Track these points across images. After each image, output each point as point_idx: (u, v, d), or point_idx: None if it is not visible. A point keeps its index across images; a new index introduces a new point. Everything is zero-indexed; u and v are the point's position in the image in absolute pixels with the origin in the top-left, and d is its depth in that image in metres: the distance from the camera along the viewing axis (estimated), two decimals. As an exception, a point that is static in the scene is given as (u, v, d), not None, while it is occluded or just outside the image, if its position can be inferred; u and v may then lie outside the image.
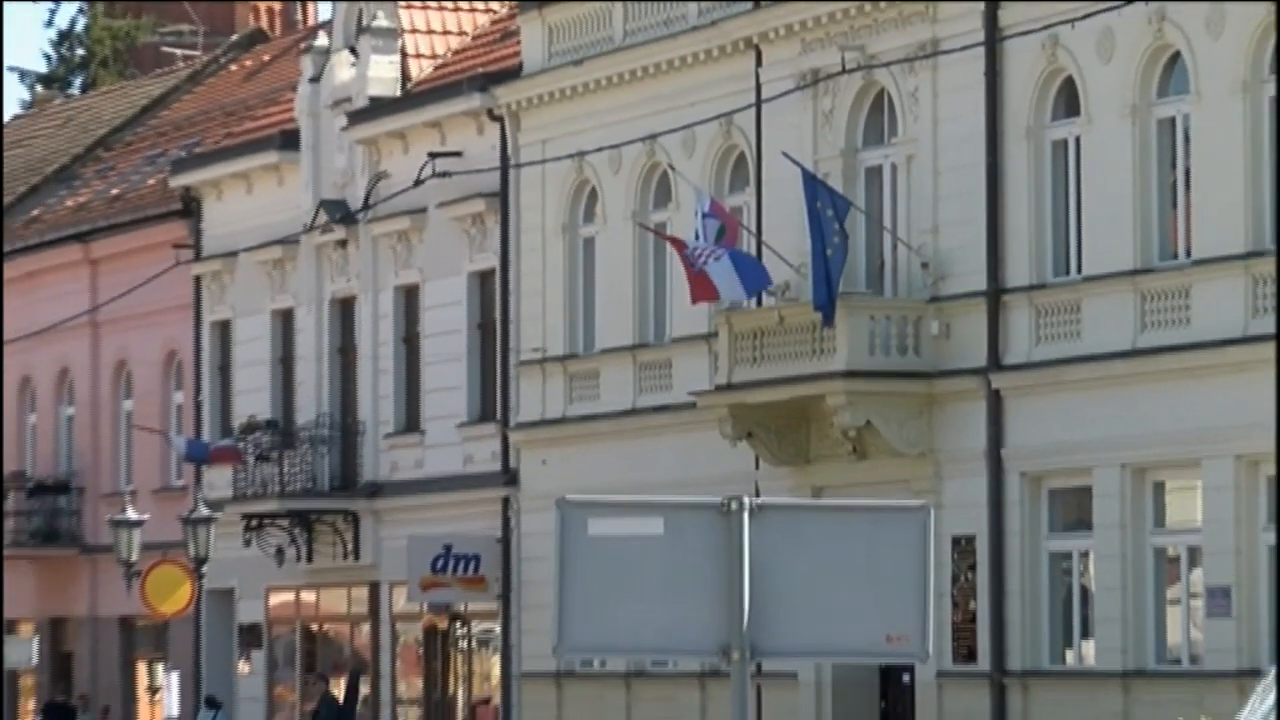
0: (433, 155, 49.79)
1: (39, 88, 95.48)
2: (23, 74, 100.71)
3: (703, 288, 41.86)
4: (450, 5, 53.24)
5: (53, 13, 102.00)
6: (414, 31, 52.50)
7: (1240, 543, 36.77)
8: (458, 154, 49.63)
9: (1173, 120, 38.05)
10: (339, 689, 52.09)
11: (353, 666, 52.44)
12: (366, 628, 52.82)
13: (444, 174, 49.52)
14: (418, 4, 52.85)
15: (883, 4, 41.56)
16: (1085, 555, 39.27)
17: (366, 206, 51.61)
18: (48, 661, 60.24)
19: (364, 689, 53.60)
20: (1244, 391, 36.38)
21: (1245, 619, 35.90)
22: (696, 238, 41.93)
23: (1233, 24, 36.81)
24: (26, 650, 57.24)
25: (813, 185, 40.62)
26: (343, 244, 52.35)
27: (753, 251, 42.67)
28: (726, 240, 41.73)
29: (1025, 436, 39.73)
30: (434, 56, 52.37)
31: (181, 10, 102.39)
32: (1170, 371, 37.57)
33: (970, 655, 39.55)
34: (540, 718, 47.43)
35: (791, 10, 43.00)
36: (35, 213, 64.05)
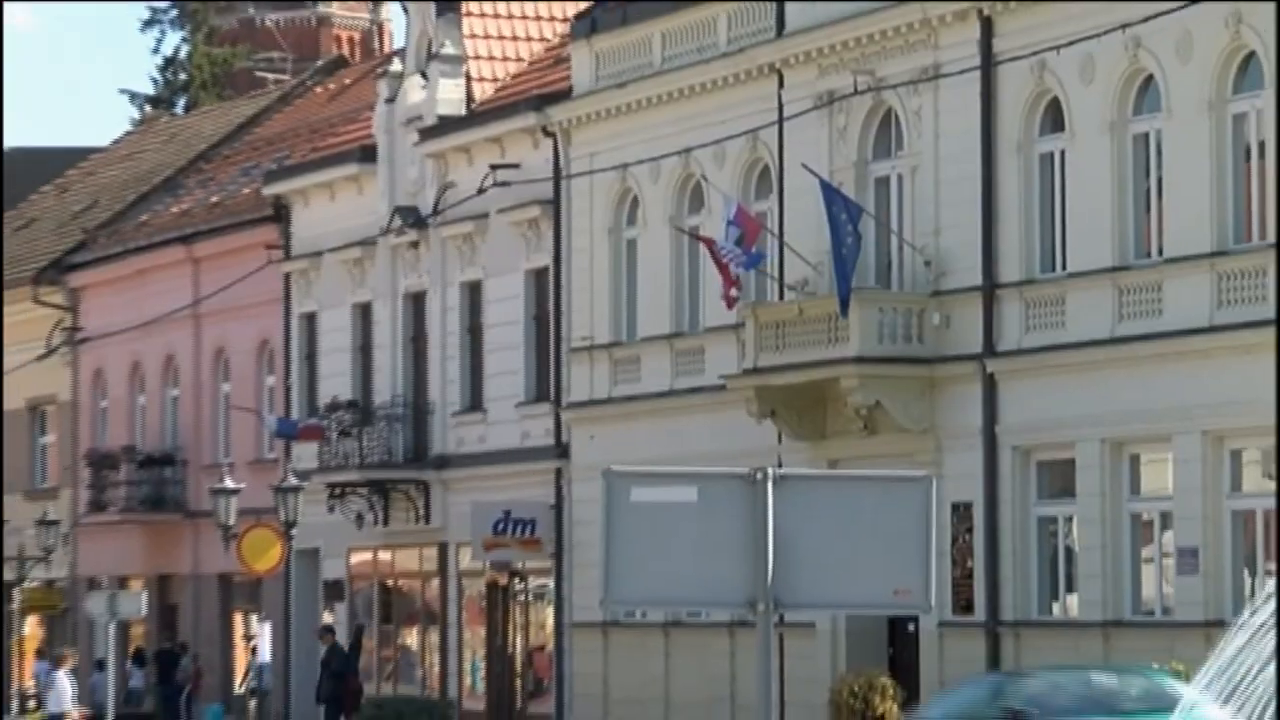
0: (493, 167, 49.81)
1: (147, 108, 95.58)
2: (133, 96, 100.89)
3: (730, 289, 42.19)
4: (509, 35, 53.19)
5: (159, 41, 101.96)
6: (477, 58, 52.47)
7: (1207, 509, 36.70)
8: (515, 166, 49.62)
9: (1146, 135, 37.96)
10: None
11: (357, 625, 52.85)
12: (435, 583, 52.82)
13: (503, 183, 49.62)
14: (480, 34, 52.81)
15: (890, 32, 41.50)
16: (1069, 519, 39.19)
17: (435, 212, 51.65)
18: (155, 613, 60.32)
19: (368, 643, 54.01)
20: (1210, 375, 36.35)
21: (1211, 576, 35.83)
22: (725, 239, 42.16)
23: (1199, 50, 36.74)
24: (136, 603, 57.22)
25: (829, 193, 40.59)
26: (414, 245, 52.36)
27: (775, 251, 42.68)
28: (745, 244, 41.87)
29: (1016, 415, 39.65)
30: (494, 80, 52.35)
31: (272, 39, 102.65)
32: (1144, 357, 37.49)
33: (968, 607, 39.48)
34: (589, 663, 47.46)
35: (809, 39, 42.95)
36: (144, 218, 64.12)
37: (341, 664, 43.99)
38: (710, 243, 43.03)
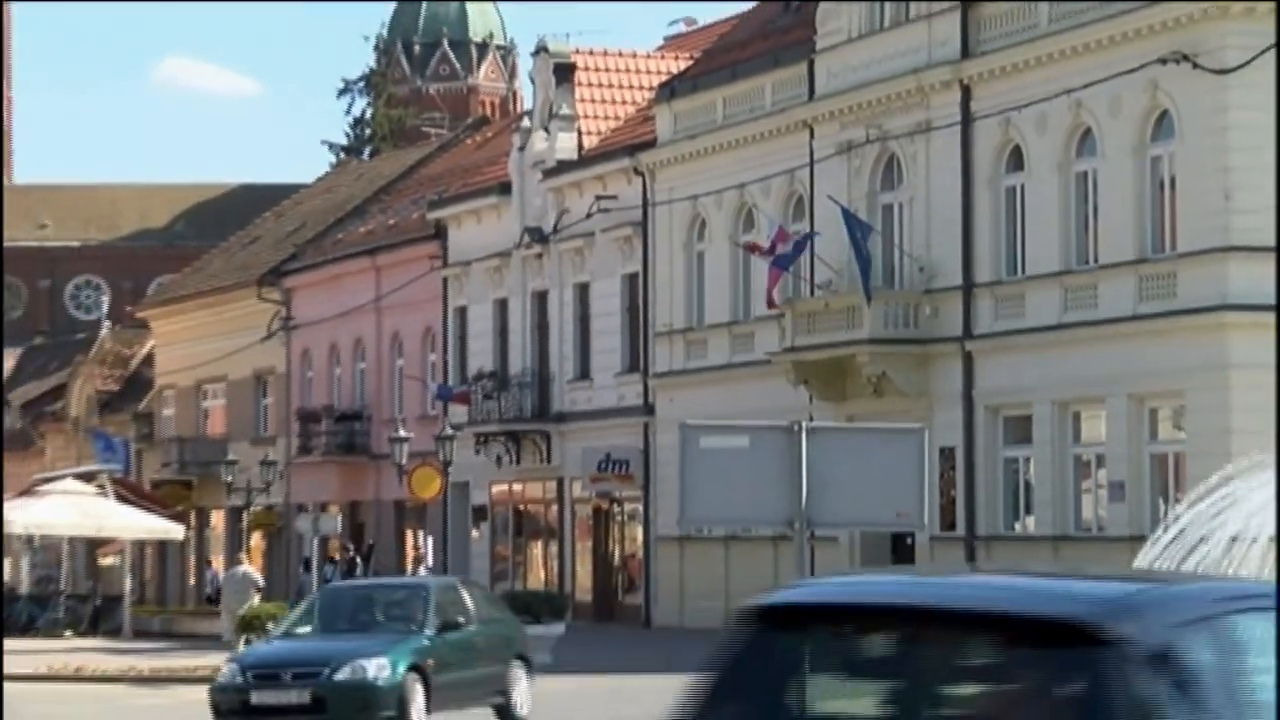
0: (598, 198, 49.85)
1: (341, 155, 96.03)
2: (331, 145, 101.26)
3: (771, 288, 42.31)
4: (609, 100, 53.16)
5: (350, 104, 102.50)
6: (585, 117, 52.46)
7: (1130, 452, 36.53)
8: (614, 197, 49.61)
9: (1085, 173, 37.75)
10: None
11: (370, 543, 53.01)
12: (554, 508, 52.90)
13: (605, 210, 49.70)
14: (587, 99, 52.81)
15: (893, 96, 41.37)
16: (1027, 460, 39.05)
17: (554, 232, 51.71)
18: (347, 530, 60.55)
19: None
20: (1134, 352, 36.16)
21: (1132, 504, 35.67)
22: (768, 253, 42.21)
23: (1126, 109, 36.51)
24: (333, 523, 57.38)
25: (848, 217, 40.54)
26: (539, 256, 52.39)
27: (808, 261, 42.60)
28: (781, 247, 42.01)
29: (987, 382, 39.51)
30: (598, 133, 52.33)
31: (434, 103, 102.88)
32: (1083, 339, 37.31)
33: (951, 525, 39.37)
34: (668, 567, 47.53)
35: (832, 102, 42.87)
36: (339, 236, 64.31)
37: (351, 573, 44.14)
38: (757, 247, 43.34)
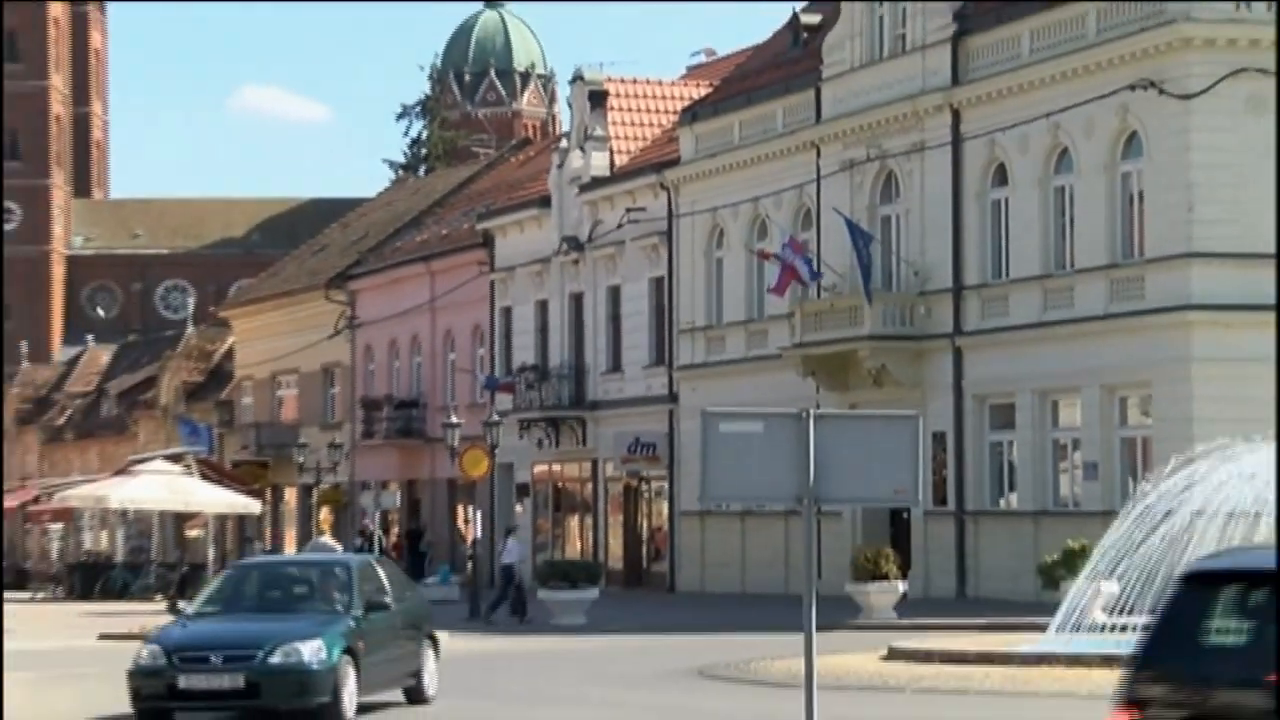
0: (628, 210, 49.85)
1: (400, 172, 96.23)
2: (391, 164, 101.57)
3: (779, 288, 42.27)
4: (637, 123, 53.15)
5: (408, 127, 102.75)
6: (616, 138, 52.46)
7: (1103, 436, 36.51)
8: (642, 209, 49.62)
9: (1063, 188, 37.70)
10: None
11: (423, 525, 51.66)
12: (589, 486, 52.94)
13: (634, 221, 49.67)
14: (618, 123, 52.81)
15: (891, 119, 41.34)
16: (1010, 443, 38.99)
17: (589, 240, 51.75)
18: (405, 505, 60.68)
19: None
20: (1106, 347, 36.14)
21: (1104, 482, 35.64)
22: (779, 256, 42.23)
23: (1099, 131, 36.43)
24: (393, 498, 57.76)
25: (851, 227, 40.53)
26: (575, 262, 52.41)
27: (812, 272, 42.51)
28: (792, 254, 42.01)
29: (975, 374, 39.48)
30: (628, 152, 52.29)
31: (482, 126, 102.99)
32: (1061, 336, 37.28)
33: (943, 501, 39.36)
34: (691, 538, 47.48)
35: (837, 125, 42.82)
36: (398, 245, 64.33)
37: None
38: (768, 254, 43.31)
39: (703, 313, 47.89)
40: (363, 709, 18.85)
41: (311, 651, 17.79)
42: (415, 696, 20.27)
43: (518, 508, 55.08)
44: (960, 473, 39.49)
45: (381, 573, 20.25)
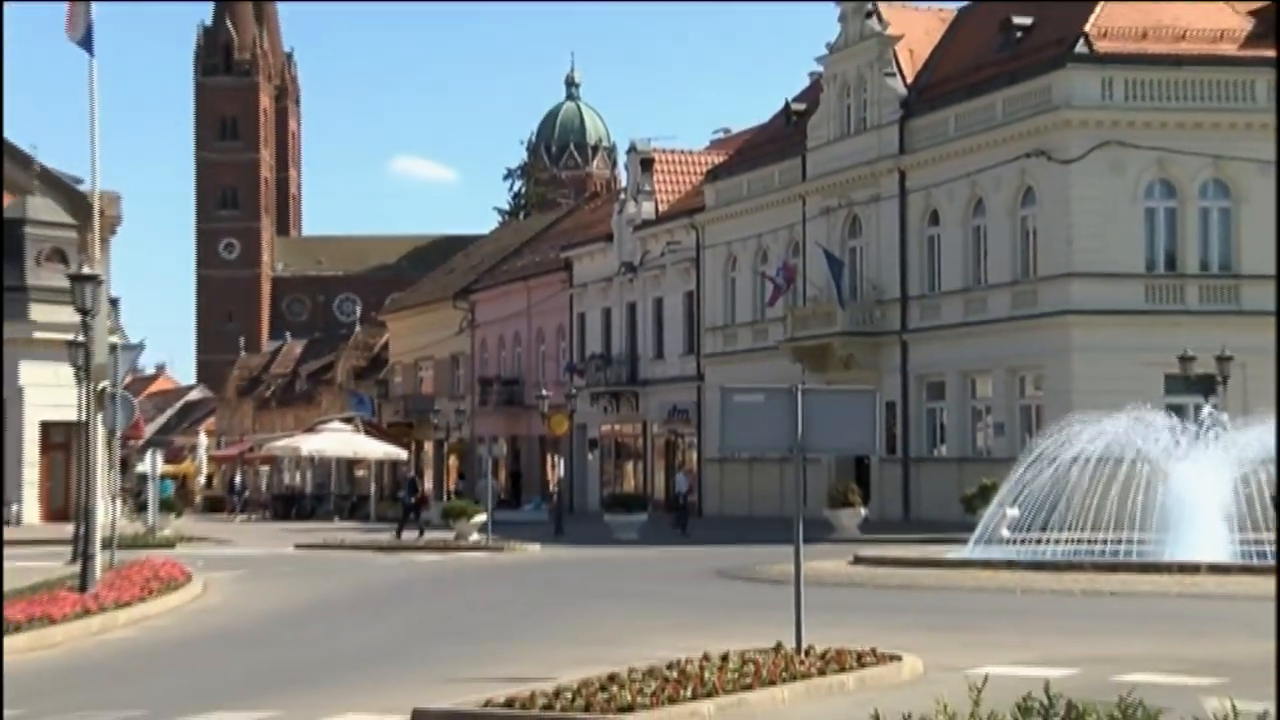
0: (668, 244, 49.95)
1: (506, 217, 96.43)
2: (500, 211, 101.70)
3: (774, 299, 42.31)
4: (676, 182, 53.13)
5: (512, 184, 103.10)
6: (660, 192, 52.51)
7: (1007, 404, 36.43)
8: (679, 243, 49.73)
9: (979, 227, 37.64)
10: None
11: (412, 476, 47.53)
12: (640, 440, 52.95)
13: (673, 251, 49.77)
14: (661, 182, 52.86)
15: (856, 179, 41.27)
16: (942, 409, 38.99)
17: (640, 265, 51.77)
18: (509, 454, 60.81)
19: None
20: (1010, 341, 36.08)
21: (1009, 437, 35.54)
22: (776, 278, 42.17)
23: (1005, 185, 36.32)
24: (500, 449, 57.74)
25: (828, 255, 40.54)
26: (630, 280, 52.50)
27: (799, 287, 42.49)
28: (786, 277, 41.93)
29: (916, 360, 39.43)
30: (668, 202, 52.36)
31: (563, 183, 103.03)
32: (978, 333, 37.22)
33: (893, 451, 39.34)
34: (712, 478, 47.34)
35: (817, 183, 42.80)
36: (505, 268, 64.44)
37: (410, 489, 41.93)
38: (769, 276, 43.54)
39: (721, 316, 47.89)
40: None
41: None
42: None
43: (589, 456, 55.10)
44: (905, 431, 39.47)
45: None
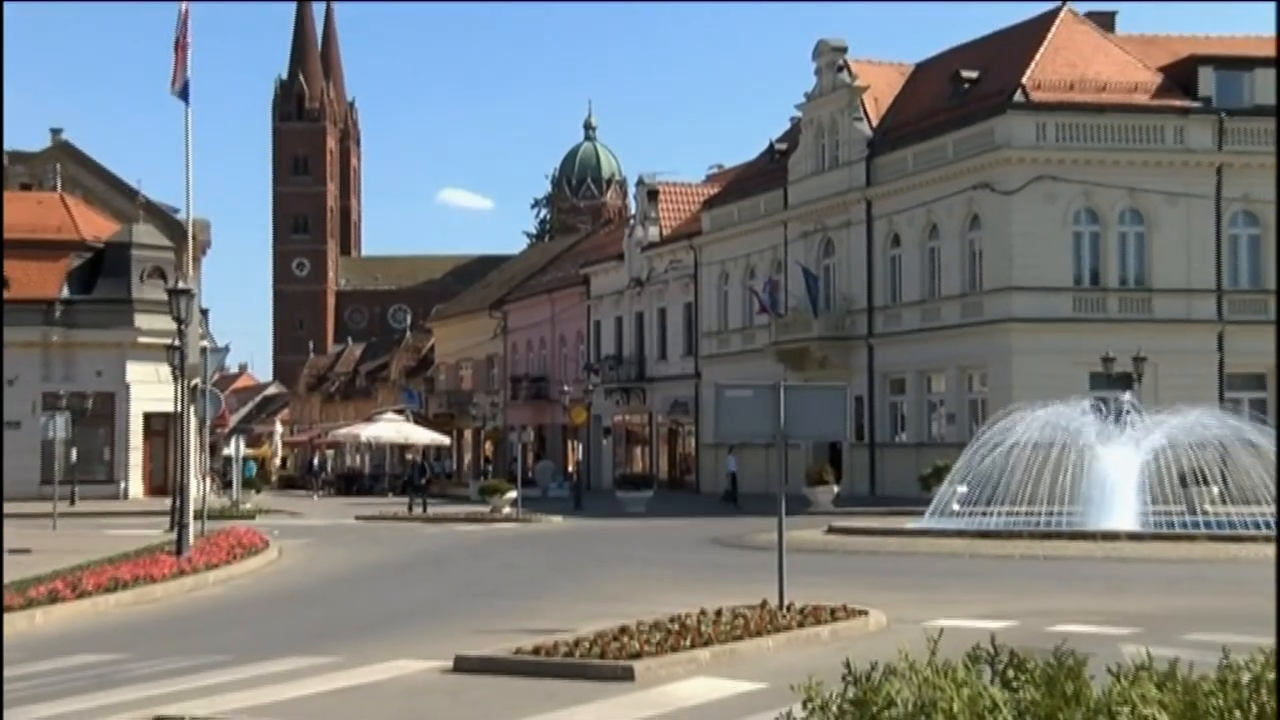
0: (671, 262, 49.75)
1: (534, 239, 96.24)
2: (528, 234, 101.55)
3: (761, 310, 42.11)
4: (678, 211, 52.87)
5: (538, 213, 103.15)
6: (664, 218, 52.35)
7: (958, 398, 36.25)
8: (680, 261, 49.52)
9: (934, 249, 37.50)
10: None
11: (419, 462, 45.60)
12: (647, 429, 52.69)
13: (675, 269, 49.52)
14: (666, 210, 52.68)
15: (829, 208, 41.14)
16: (902, 402, 38.84)
17: (647, 280, 51.63)
18: (534, 442, 60.59)
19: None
20: (960, 344, 35.95)
21: (959, 425, 35.34)
22: (762, 292, 42.02)
23: (955, 214, 36.19)
24: (528, 436, 57.46)
25: (806, 273, 40.39)
26: (639, 293, 52.29)
27: (782, 299, 42.40)
28: (771, 292, 41.79)
29: (881, 361, 39.27)
30: (672, 227, 52.15)
31: (581, 212, 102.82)
32: (934, 337, 37.08)
33: (861, 437, 39.19)
34: (708, 461, 47.11)
35: (797, 210, 42.61)
36: (532, 283, 64.27)
37: (417, 473, 41.33)
38: (755, 292, 43.17)
39: (715, 323, 47.73)
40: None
41: None
42: None
43: (604, 442, 54.90)
44: (872, 420, 39.34)
45: None
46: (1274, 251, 33.04)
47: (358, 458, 71.21)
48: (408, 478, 44.28)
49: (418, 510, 35.44)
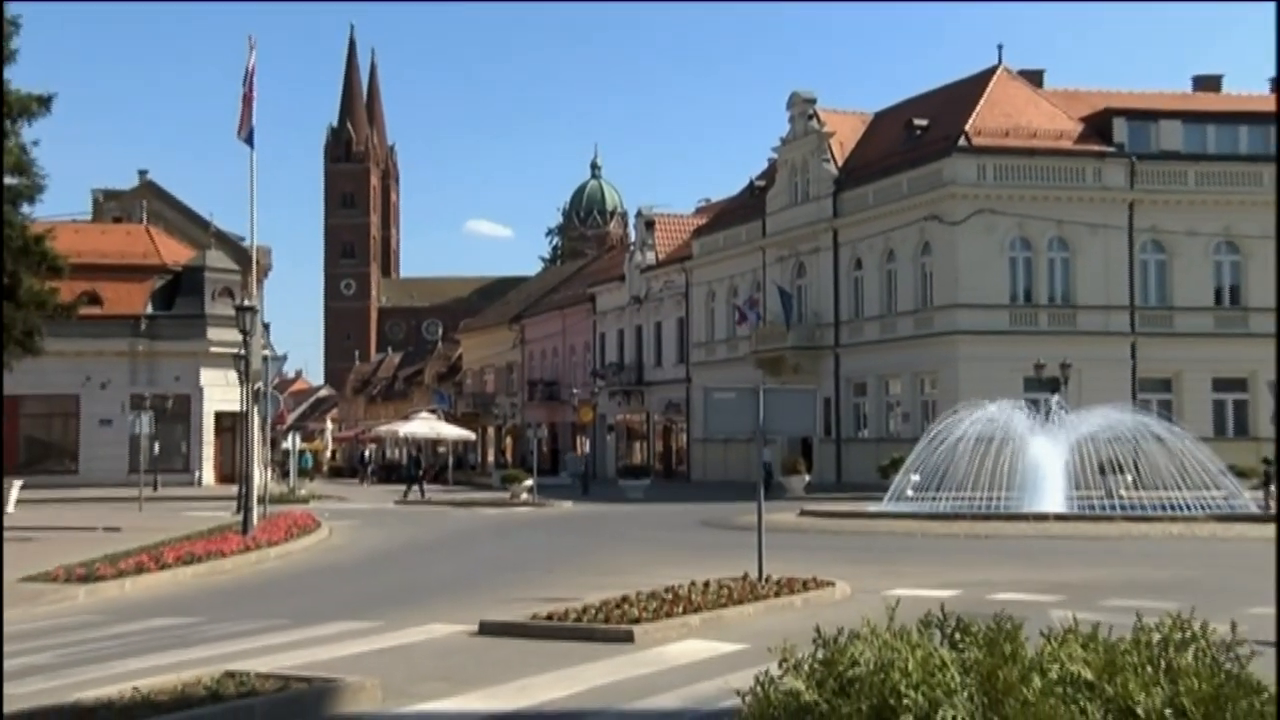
0: (666, 282, 49.66)
1: (547, 263, 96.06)
2: (543, 259, 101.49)
3: (741, 323, 42.01)
4: (671, 239, 52.74)
5: (552, 241, 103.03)
6: (660, 244, 52.22)
7: (912, 399, 36.24)
8: (674, 282, 49.44)
9: (890, 271, 37.50)
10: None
11: (417, 457, 44.59)
12: (645, 426, 52.48)
13: (669, 288, 49.44)
14: (662, 237, 52.60)
15: (801, 236, 41.13)
16: (864, 403, 38.78)
17: (645, 298, 51.58)
18: (548, 437, 60.26)
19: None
20: (914, 353, 35.94)
21: (912, 423, 35.25)
22: (744, 307, 41.97)
23: (909, 241, 36.21)
24: (542, 432, 56.93)
25: (783, 291, 40.35)
26: (639, 309, 52.26)
27: (763, 315, 42.32)
28: (749, 303, 41.74)
29: (846, 367, 39.21)
30: (666, 250, 52.09)
31: (589, 241, 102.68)
32: (891, 347, 37.05)
33: (829, 433, 39.10)
34: (698, 454, 46.98)
35: (775, 238, 42.59)
36: (545, 302, 64.25)
37: (414, 466, 40.95)
38: (739, 307, 43.05)
39: (704, 334, 47.61)
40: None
41: None
42: None
43: (608, 438, 54.66)
44: (838, 418, 39.28)
45: None
46: (1275, 270, 32.76)
47: (397, 451, 71.11)
48: (406, 469, 43.89)
49: (414, 496, 35.31)
